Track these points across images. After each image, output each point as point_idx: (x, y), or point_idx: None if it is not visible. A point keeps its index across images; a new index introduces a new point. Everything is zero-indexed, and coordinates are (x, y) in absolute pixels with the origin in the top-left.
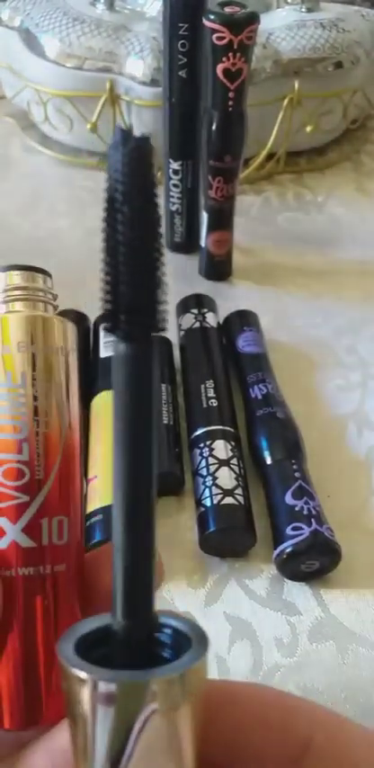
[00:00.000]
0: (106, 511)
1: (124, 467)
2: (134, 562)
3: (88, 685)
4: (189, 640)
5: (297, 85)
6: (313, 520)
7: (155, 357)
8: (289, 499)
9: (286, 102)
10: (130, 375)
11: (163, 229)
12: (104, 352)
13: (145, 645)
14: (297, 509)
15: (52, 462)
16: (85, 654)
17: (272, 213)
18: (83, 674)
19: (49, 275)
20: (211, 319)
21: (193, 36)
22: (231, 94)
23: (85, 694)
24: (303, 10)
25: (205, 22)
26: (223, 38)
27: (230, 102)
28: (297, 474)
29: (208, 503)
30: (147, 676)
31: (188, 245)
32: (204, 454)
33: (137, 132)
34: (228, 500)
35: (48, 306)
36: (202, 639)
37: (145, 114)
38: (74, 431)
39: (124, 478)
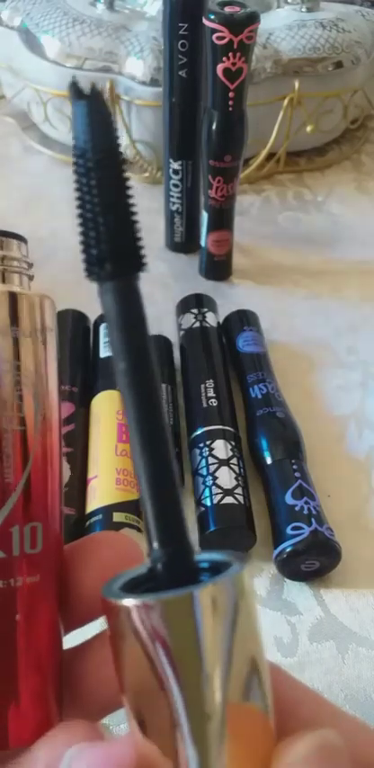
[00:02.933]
0: (106, 510)
1: (134, 396)
2: (160, 485)
3: (158, 608)
4: (227, 563)
5: (297, 85)
6: (313, 519)
7: (139, 290)
8: (289, 499)
9: (286, 101)
10: (123, 308)
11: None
12: (104, 352)
13: (187, 569)
14: (297, 509)
15: (23, 463)
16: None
17: (272, 213)
18: (149, 600)
19: (25, 241)
20: (211, 319)
21: (193, 36)
22: (231, 94)
23: (156, 621)
24: (303, 10)
25: (205, 21)
26: (223, 37)
27: (230, 102)
28: (297, 474)
29: (208, 502)
30: (199, 587)
31: (188, 244)
32: (204, 454)
33: (87, 87)
34: (228, 500)
35: (22, 278)
36: (240, 558)
37: (145, 114)
38: (50, 425)
39: (136, 408)
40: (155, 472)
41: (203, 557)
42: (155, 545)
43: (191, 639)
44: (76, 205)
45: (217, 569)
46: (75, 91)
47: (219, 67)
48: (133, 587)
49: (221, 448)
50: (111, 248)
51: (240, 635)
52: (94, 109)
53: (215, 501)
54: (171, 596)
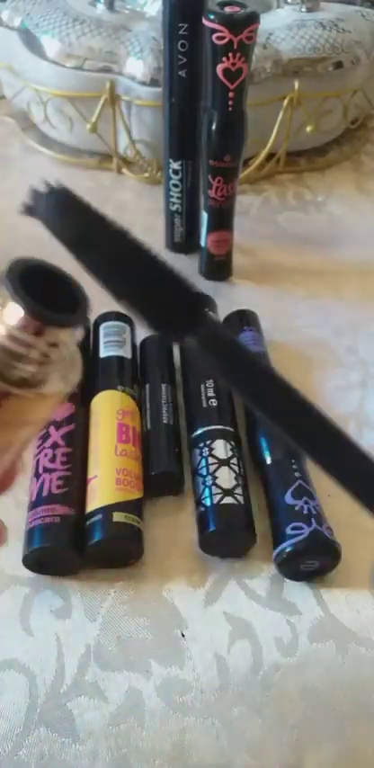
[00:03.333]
0: (106, 510)
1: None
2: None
3: None
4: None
5: (297, 85)
6: (313, 519)
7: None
8: (288, 499)
9: (286, 101)
10: (216, 348)
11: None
12: (104, 352)
13: None
14: (296, 508)
15: None
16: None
17: (272, 213)
18: None
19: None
20: None
21: (193, 36)
22: (231, 94)
23: None
24: (303, 10)
25: (205, 21)
26: (223, 38)
27: (230, 102)
28: (296, 473)
29: (207, 502)
30: None
31: (188, 245)
32: (204, 454)
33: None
34: (228, 500)
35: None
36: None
37: (145, 114)
38: None
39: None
40: None
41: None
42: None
43: None
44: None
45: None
46: (36, 198)
47: (219, 67)
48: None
49: (221, 448)
50: (167, 317)
51: None
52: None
53: (215, 501)
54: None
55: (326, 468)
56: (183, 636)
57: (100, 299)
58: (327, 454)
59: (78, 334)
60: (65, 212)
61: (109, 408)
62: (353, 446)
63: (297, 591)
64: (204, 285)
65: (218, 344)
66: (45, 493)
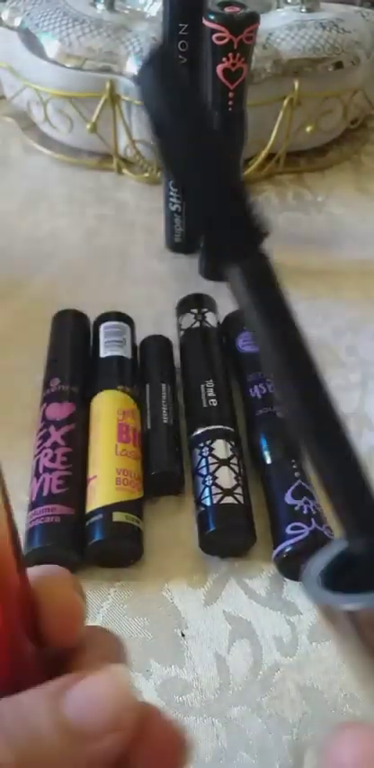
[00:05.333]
0: (106, 510)
1: (299, 382)
2: (346, 471)
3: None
4: None
5: (297, 85)
6: (313, 519)
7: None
8: (288, 498)
9: (286, 102)
10: (260, 285)
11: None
12: (104, 352)
13: None
14: (296, 508)
15: None
16: (334, 584)
17: (272, 213)
18: (350, 606)
19: None
20: (211, 319)
21: (193, 36)
22: (231, 94)
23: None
24: (303, 10)
25: (205, 22)
26: (223, 38)
27: (230, 102)
28: (296, 473)
29: (207, 502)
30: None
31: (188, 245)
32: (204, 454)
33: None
34: (228, 499)
35: None
36: None
37: (145, 114)
38: None
39: (305, 395)
40: (338, 454)
41: None
42: (353, 529)
43: None
44: (183, 194)
45: None
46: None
47: (219, 68)
48: (336, 577)
49: (221, 448)
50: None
51: None
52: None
53: (215, 501)
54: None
55: (312, 455)
56: (183, 635)
57: (100, 299)
58: (319, 444)
59: None
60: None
61: (109, 408)
62: (348, 452)
63: (297, 591)
64: (204, 285)
65: (260, 285)
66: (45, 493)
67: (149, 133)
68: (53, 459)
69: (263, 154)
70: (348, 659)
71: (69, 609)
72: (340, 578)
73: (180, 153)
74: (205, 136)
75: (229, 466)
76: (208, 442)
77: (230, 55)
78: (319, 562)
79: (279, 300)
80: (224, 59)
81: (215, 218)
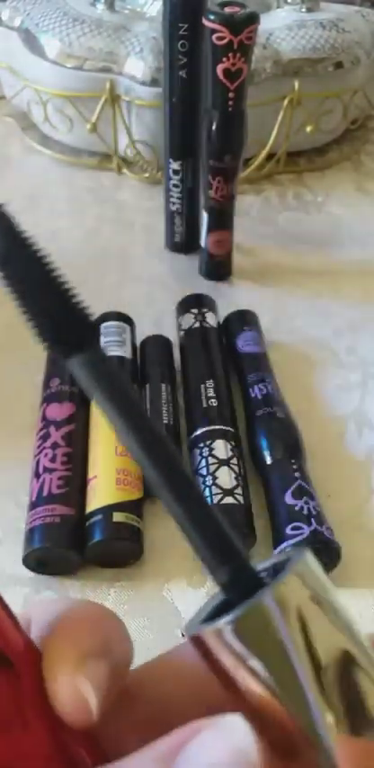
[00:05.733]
0: (106, 511)
1: (146, 451)
2: (202, 519)
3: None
4: (287, 560)
5: (297, 85)
6: (313, 519)
7: (101, 352)
8: (288, 499)
9: (286, 102)
10: (94, 377)
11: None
12: (104, 352)
13: (251, 583)
14: (296, 509)
15: None
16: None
17: (272, 213)
18: (229, 619)
19: None
20: (211, 319)
21: (193, 36)
22: (231, 94)
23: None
24: (303, 10)
25: (205, 22)
26: (223, 38)
27: (230, 102)
28: (296, 474)
29: (207, 502)
30: (267, 592)
31: (188, 245)
32: (204, 454)
33: None
34: (228, 500)
35: None
36: (301, 549)
37: (145, 114)
38: None
39: (151, 460)
40: (193, 509)
41: (265, 564)
42: (215, 571)
43: (274, 645)
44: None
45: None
46: None
47: (219, 68)
48: (214, 617)
49: (221, 448)
50: (57, 333)
51: (324, 623)
52: None
53: (215, 501)
54: (237, 613)
55: (173, 513)
56: (184, 636)
57: (100, 299)
58: (178, 507)
59: None
60: None
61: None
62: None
63: None
64: (204, 285)
65: (100, 372)
66: (45, 493)
67: None
68: (53, 460)
69: (263, 154)
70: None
71: (73, 706)
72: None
73: (18, 280)
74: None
75: (229, 466)
76: (208, 443)
77: (230, 55)
78: (201, 612)
79: (119, 384)
80: (224, 59)
81: (48, 318)
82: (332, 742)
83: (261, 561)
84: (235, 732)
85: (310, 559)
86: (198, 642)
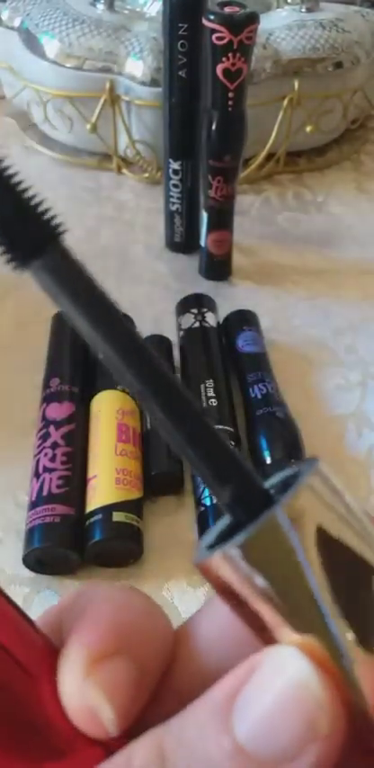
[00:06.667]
0: (106, 510)
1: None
2: (200, 432)
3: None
4: (298, 473)
5: (296, 85)
6: None
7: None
8: None
9: (286, 102)
10: (57, 281)
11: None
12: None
13: (259, 498)
14: None
15: None
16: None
17: (272, 213)
18: (234, 547)
19: None
20: (211, 319)
21: (193, 36)
22: (231, 94)
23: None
24: (303, 10)
25: (205, 22)
26: (223, 38)
27: (230, 102)
28: None
29: (207, 502)
30: (274, 507)
31: (188, 244)
32: None
33: None
34: None
35: None
36: (312, 459)
37: (145, 114)
38: None
39: (133, 369)
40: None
41: (273, 480)
42: (218, 490)
43: (288, 565)
44: None
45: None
46: None
47: (219, 68)
48: (222, 539)
49: None
50: (13, 240)
51: (343, 534)
52: None
53: (215, 500)
54: (246, 534)
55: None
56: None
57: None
58: (169, 419)
59: None
60: None
61: (109, 408)
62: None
63: None
64: (204, 285)
65: (64, 273)
66: (45, 492)
67: None
68: (53, 459)
69: (263, 154)
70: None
71: (84, 720)
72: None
73: None
74: None
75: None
76: None
77: (230, 55)
78: (207, 537)
79: (87, 283)
80: (224, 59)
81: (4, 220)
82: (353, 662)
83: (268, 478)
84: (292, 664)
85: (324, 469)
86: (206, 570)
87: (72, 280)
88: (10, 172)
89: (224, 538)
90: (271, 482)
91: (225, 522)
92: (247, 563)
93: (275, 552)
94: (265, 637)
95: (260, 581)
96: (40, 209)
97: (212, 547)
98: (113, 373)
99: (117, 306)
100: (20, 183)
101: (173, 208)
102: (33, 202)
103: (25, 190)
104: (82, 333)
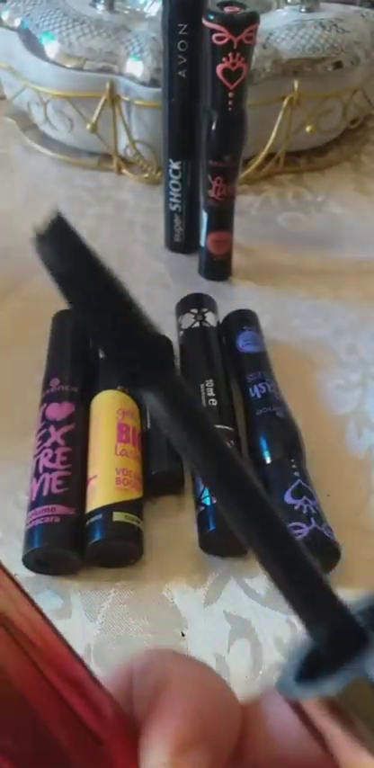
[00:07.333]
0: (106, 510)
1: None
2: (297, 567)
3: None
4: None
5: (296, 85)
6: (312, 519)
7: (178, 382)
8: (288, 498)
9: (286, 102)
10: (173, 408)
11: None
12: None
13: (350, 633)
14: (296, 508)
15: None
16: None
17: (272, 213)
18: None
19: None
20: (211, 319)
21: (193, 36)
22: (231, 94)
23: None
24: (303, 10)
25: (205, 22)
26: (223, 38)
27: (230, 102)
28: (296, 473)
29: (207, 502)
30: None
31: (188, 244)
32: None
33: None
34: None
35: None
36: None
37: (145, 114)
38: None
39: (238, 504)
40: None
41: (361, 604)
42: (311, 625)
43: None
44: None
45: None
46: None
47: (219, 68)
48: (310, 671)
49: None
50: (134, 361)
51: None
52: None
53: (214, 500)
54: (343, 680)
55: (262, 558)
56: (183, 635)
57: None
58: (268, 550)
59: None
60: (59, 246)
61: (109, 408)
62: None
63: None
64: (204, 285)
65: (178, 402)
66: (45, 493)
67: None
68: (53, 460)
69: (263, 154)
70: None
71: None
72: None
73: (85, 305)
74: (104, 285)
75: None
76: None
77: (230, 55)
78: (291, 663)
79: (197, 414)
80: (224, 59)
81: (121, 347)
82: None
83: (355, 600)
84: None
85: None
86: (297, 706)
87: (184, 409)
88: (126, 292)
89: (309, 666)
90: (359, 606)
91: (305, 647)
92: (343, 707)
93: (370, 699)
94: (339, 752)
95: (355, 725)
96: (153, 330)
97: (299, 677)
98: (215, 497)
99: (227, 441)
100: (133, 302)
101: (173, 208)
102: (146, 323)
103: (139, 310)
104: (190, 460)
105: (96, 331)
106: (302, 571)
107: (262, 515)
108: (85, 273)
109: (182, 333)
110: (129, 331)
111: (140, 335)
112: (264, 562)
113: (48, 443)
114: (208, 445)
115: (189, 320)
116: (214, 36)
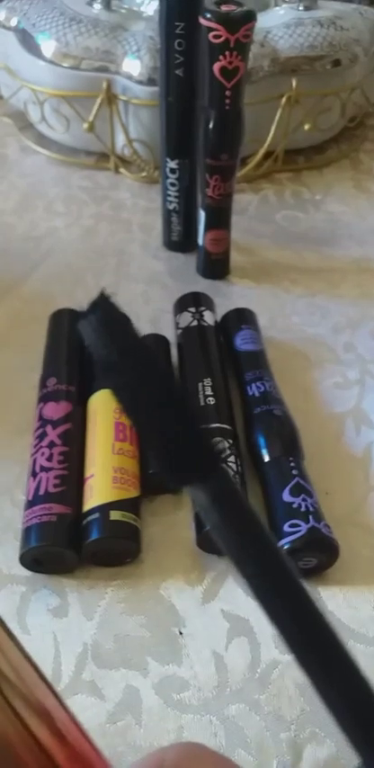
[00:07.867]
0: (103, 509)
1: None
2: (358, 703)
3: None
4: None
5: (294, 83)
6: (310, 517)
7: (230, 481)
8: (286, 496)
9: (284, 100)
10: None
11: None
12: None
13: None
14: (294, 506)
15: None
16: None
17: (270, 211)
18: None
19: None
20: (209, 317)
21: (190, 35)
22: (228, 93)
23: None
24: (301, 8)
25: (201, 20)
26: (220, 36)
27: (227, 101)
28: (294, 471)
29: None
30: None
31: (185, 243)
32: None
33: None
34: None
35: None
36: None
37: (142, 113)
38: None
39: (289, 618)
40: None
41: None
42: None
43: None
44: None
45: None
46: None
47: (216, 66)
48: None
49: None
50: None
51: None
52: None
53: (263, 612)
54: None
55: (312, 676)
56: (181, 634)
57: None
58: (317, 668)
59: None
60: (103, 330)
61: (106, 407)
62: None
63: None
64: (202, 283)
65: (228, 503)
66: (42, 492)
67: (99, 372)
68: (50, 459)
69: (261, 152)
70: None
71: None
72: None
73: (131, 390)
74: (152, 373)
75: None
76: None
77: (227, 53)
78: None
79: (247, 515)
80: (221, 58)
81: (173, 444)
82: None
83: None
84: None
85: None
86: None
87: (233, 510)
88: (176, 386)
89: None
90: None
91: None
92: None
93: None
94: None
95: None
96: (204, 432)
97: None
98: (265, 612)
99: (277, 545)
100: (185, 397)
101: (171, 207)
102: (198, 424)
103: (193, 411)
104: (233, 562)
105: (144, 423)
106: (363, 707)
107: (326, 653)
108: (131, 364)
109: (179, 331)
110: (183, 429)
111: (194, 435)
112: (322, 693)
113: (44, 442)
114: (256, 551)
115: (187, 319)
116: (211, 34)
